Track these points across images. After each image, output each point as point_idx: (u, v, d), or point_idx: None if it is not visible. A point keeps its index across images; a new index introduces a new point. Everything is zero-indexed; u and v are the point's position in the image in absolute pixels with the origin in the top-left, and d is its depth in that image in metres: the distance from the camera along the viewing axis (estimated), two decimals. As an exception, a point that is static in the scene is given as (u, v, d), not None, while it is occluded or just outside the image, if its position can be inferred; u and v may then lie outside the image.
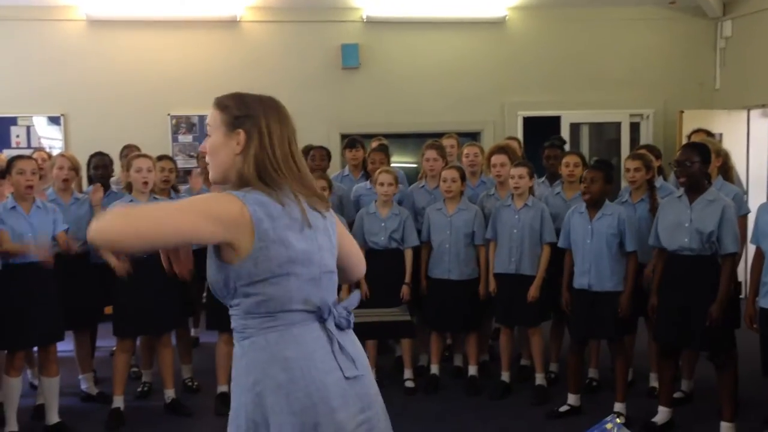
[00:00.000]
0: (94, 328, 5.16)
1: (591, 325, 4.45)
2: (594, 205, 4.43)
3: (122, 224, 1.65)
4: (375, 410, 1.93)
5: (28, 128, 7.62)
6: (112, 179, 5.49)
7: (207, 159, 1.93)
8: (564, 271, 4.62)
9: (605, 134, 8.78)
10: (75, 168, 4.90)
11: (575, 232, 4.50)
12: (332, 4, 7.91)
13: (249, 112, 1.87)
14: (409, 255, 5.00)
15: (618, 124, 8.38)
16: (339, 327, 1.91)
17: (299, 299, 1.84)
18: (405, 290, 4.95)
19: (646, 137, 8.21)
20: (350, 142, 5.89)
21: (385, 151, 5.59)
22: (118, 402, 4.60)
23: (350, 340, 1.95)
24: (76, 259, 4.55)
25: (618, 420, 1.28)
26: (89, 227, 1.64)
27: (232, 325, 1.88)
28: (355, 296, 2.02)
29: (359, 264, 2.16)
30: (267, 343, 1.83)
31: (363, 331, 2.07)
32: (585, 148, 8.54)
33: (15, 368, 4.26)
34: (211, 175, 1.93)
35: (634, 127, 8.39)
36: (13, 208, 4.19)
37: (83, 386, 5.05)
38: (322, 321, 1.88)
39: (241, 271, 1.79)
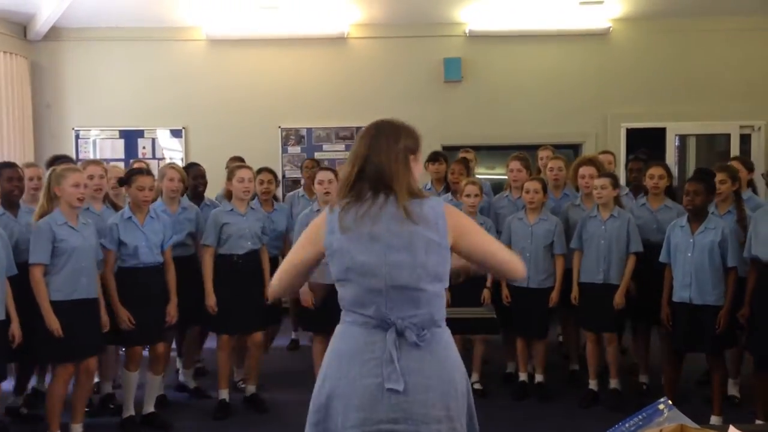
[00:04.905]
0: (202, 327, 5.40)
1: (691, 338, 4.43)
2: (696, 217, 4.41)
3: (276, 286, 2.22)
4: (409, 427, 1.97)
5: (153, 140, 8.30)
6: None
7: None
8: (664, 286, 4.60)
9: (715, 146, 8.51)
10: (183, 179, 5.15)
11: (676, 245, 4.48)
12: (436, 19, 8.11)
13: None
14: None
15: (727, 136, 8.11)
16: (408, 342, 2.00)
17: (359, 304, 2.05)
18: (486, 294, 5.07)
19: (757, 149, 7.92)
20: (432, 155, 5.84)
21: (465, 163, 5.71)
22: (224, 395, 4.88)
23: (417, 356, 2.00)
24: (180, 264, 4.83)
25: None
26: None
27: None
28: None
29: (497, 269, 2.23)
30: (336, 333, 2.11)
31: (450, 327, 2.17)
32: (692, 160, 8.33)
33: (134, 363, 4.60)
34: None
35: (745, 139, 8.11)
36: (129, 218, 4.49)
37: (181, 379, 5.37)
38: (384, 330, 2.02)
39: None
